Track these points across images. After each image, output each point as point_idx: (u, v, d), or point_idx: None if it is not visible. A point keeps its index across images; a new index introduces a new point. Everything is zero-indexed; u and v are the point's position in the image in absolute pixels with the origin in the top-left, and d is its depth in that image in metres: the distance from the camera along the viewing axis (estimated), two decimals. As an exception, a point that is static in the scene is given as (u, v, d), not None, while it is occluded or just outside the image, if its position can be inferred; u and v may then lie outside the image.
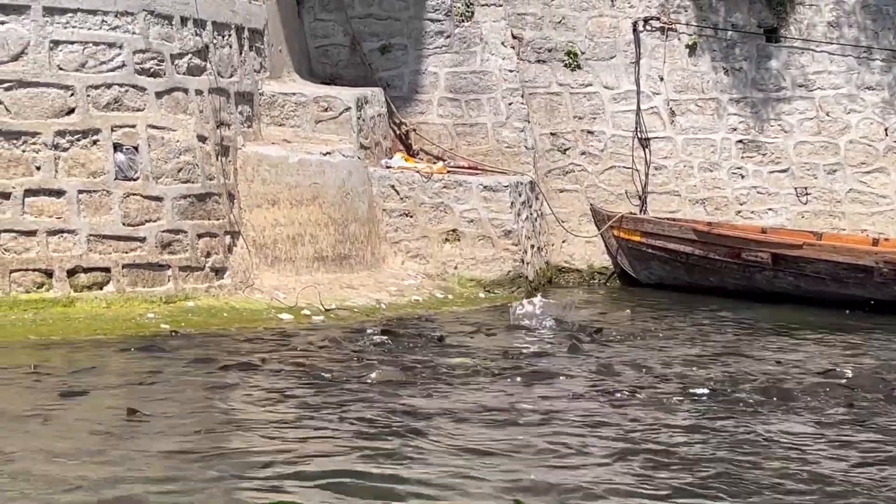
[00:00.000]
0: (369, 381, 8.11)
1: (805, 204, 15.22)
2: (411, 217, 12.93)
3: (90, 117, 10.42)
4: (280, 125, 12.56)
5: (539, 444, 6.60)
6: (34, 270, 10.14)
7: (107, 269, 10.38)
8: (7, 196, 10.11)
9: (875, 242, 13.92)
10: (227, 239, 11.22)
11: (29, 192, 10.18)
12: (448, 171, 13.28)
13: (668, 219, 14.53)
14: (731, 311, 12.69)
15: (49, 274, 10.18)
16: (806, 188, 15.24)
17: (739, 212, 15.16)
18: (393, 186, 12.91)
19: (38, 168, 10.23)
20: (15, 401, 7.49)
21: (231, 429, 6.98)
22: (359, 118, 12.81)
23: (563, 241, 14.85)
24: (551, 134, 15.01)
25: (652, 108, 15.15)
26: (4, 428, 6.78)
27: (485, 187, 13.07)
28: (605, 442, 6.75)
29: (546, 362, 9.16)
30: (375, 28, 14.31)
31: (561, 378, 8.49)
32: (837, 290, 13.13)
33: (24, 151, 10.19)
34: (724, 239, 13.78)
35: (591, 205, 14.86)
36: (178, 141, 10.83)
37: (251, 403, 7.62)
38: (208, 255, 10.95)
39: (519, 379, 8.43)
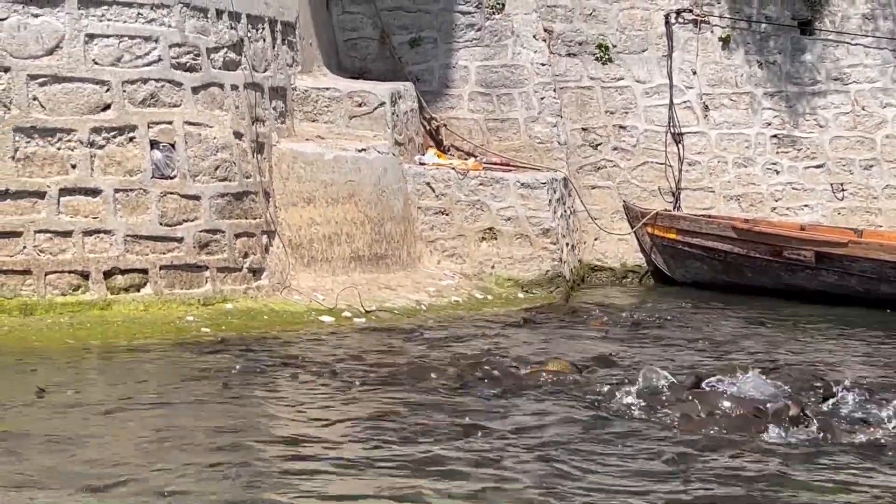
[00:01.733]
0: None
1: (841, 200, 15.01)
2: (447, 215, 12.67)
3: (126, 113, 10.13)
4: (313, 121, 12.29)
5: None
6: (70, 272, 9.86)
7: (144, 271, 10.11)
8: (42, 195, 9.82)
9: (919, 240, 13.70)
10: (264, 239, 10.95)
11: (64, 192, 9.89)
12: (483, 168, 13.02)
13: (704, 216, 14.29)
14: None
15: (85, 276, 9.90)
16: (842, 184, 15.03)
17: (774, 208, 14.94)
18: (428, 184, 12.66)
19: (74, 166, 9.95)
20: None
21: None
22: (393, 113, 12.54)
23: (596, 239, 14.61)
24: (582, 129, 14.77)
25: (685, 102, 14.92)
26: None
27: (522, 184, 12.82)
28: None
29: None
30: (405, 21, 14.04)
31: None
32: (883, 290, 12.91)
33: (59, 149, 9.90)
34: (765, 237, 13.55)
35: (623, 201, 14.62)
36: (214, 138, 10.55)
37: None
38: (246, 255, 10.69)
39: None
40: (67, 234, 9.87)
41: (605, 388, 7.67)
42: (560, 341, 10.18)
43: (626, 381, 7.84)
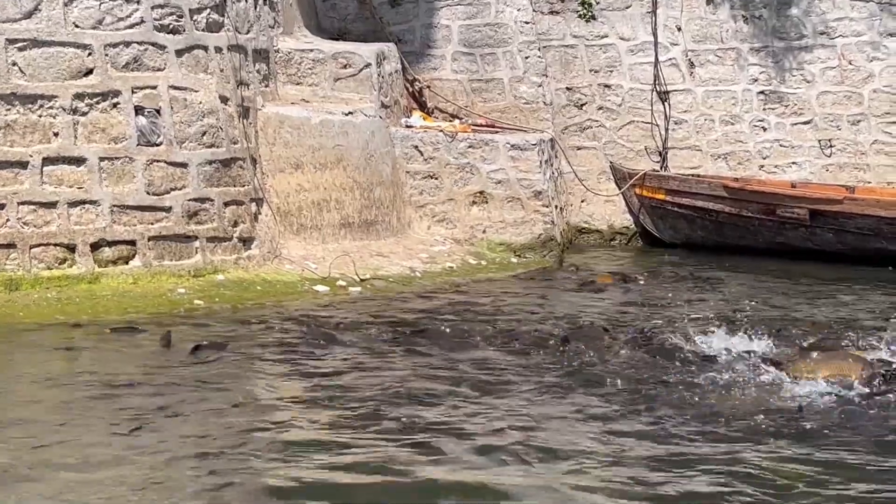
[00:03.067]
0: None
1: (829, 157, 14.85)
2: (436, 179, 12.40)
3: (109, 78, 9.76)
4: (297, 84, 11.96)
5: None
6: (56, 245, 9.50)
7: (132, 242, 9.76)
8: (24, 165, 9.44)
9: (910, 195, 13.57)
10: (253, 207, 10.64)
11: (47, 161, 9.52)
12: (472, 130, 12.75)
13: (694, 175, 14.10)
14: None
15: (71, 248, 9.54)
16: (829, 140, 14.87)
17: (762, 166, 14.77)
18: (416, 147, 12.37)
19: (56, 134, 9.57)
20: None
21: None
22: (378, 75, 12.23)
23: (583, 201, 14.40)
24: (567, 89, 14.53)
25: (670, 59, 14.69)
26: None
27: (512, 146, 12.56)
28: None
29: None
30: (385, -21, 13.71)
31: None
32: (880, 246, 12.78)
33: (40, 117, 9.53)
34: (758, 195, 13.38)
35: (610, 162, 14.40)
36: (200, 102, 10.20)
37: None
38: (235, 224, 10.37)
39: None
40: (52, 205, 9.51)
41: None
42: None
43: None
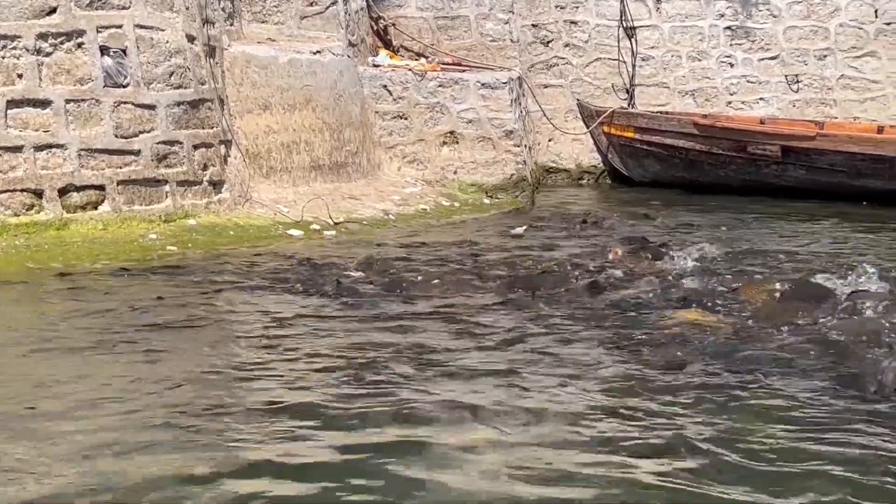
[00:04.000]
0: None
1: (796, 92, 14.78)
2: (406, 119, 12.17)
3: (73, 17, 9.41)
4: (262, 22, 11.66)
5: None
6: (22, 191, 9.17)
7: (101, 187, 9.47)
8: (-13, 108, 9.12)
9: (880, 130, 13.52)
10: (222, 149, 10.37)
11: (12, 104, 9.17)
12: (441, 69, 12.52)
13: (663, 113, 13.97)
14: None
15: (39, 194, 9.23)
16: (797, 76, 14.79)
17: (730, 102, 14.67)
18: (385, 87, 12.13)
19: (21, 76, 9.22)
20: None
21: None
22: (345, 12, 11.96)
23: (550, 140, 14.25)
24: (533, 25, 14.31)
25: (636, -6, 14.52)
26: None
27: (483, 84, 12.35)
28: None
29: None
30: (347, -87, 13.36)
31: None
32: (852, 182, 12.73)
33: (3, 58, 9.16)
34: (729, 132, 13.27)
35: (577, 100, 14.24)
36: (167, 42, 9.88)
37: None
38: (205, 167, 10.09)
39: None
40: (18, 149, 9.18)
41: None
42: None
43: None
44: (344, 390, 5.49)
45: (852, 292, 6.92)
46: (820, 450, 4.69)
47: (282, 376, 5.81)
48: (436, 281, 7.84)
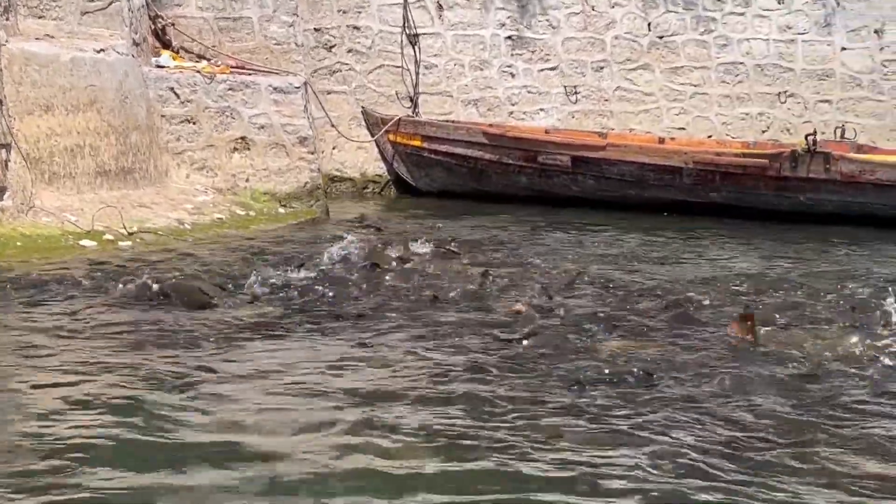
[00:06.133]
0: None
1: (575, 103, 14.81)
2: (194, 124, 11.50)
3: None
4: (40, 17, 10.78)
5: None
6: None
7: None
8: None
9: (661, 141, 13.65)
10: (3, 153, 9.51)
11: None
12: (232, 71, 11.91)
13: (452, 121, 13.74)
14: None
15: None
16: (575, 87, 14.82)
17: (512, 112, 14.56)
18: (172, 89, 11.43)
19: None
20: None
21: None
22: (129, 9, 11.22)
23: (334, 148, 13.81)
24: (315, 29, 13.85)
25: (419, 1, 14.24)
26: None
27: (275, 89, 11.80)
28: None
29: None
30: None
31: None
32: (641, 193, 12.79)
33: None
34: (519, 142, 13.14)
35: (362, 107, 13.85)
36: (-58, 35, 9.01)
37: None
38: (-15, 173, 9.25)
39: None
40: None
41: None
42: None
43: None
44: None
45: None
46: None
47: None
48: None
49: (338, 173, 13.81)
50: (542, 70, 14.67)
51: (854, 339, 6.58)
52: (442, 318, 7.08)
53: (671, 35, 14.81)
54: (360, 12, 13.99)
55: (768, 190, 12.25)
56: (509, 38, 14.56)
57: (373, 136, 13.73)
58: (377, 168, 13.97)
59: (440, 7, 14.29)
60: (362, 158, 13.92)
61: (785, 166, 12.12)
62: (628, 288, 8.28)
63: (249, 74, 12.18)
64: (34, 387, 5.55)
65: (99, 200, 10.14)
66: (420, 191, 13.77)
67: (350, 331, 6.74)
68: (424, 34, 14.19)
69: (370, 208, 12.91)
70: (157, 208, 10.51)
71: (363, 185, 13.92)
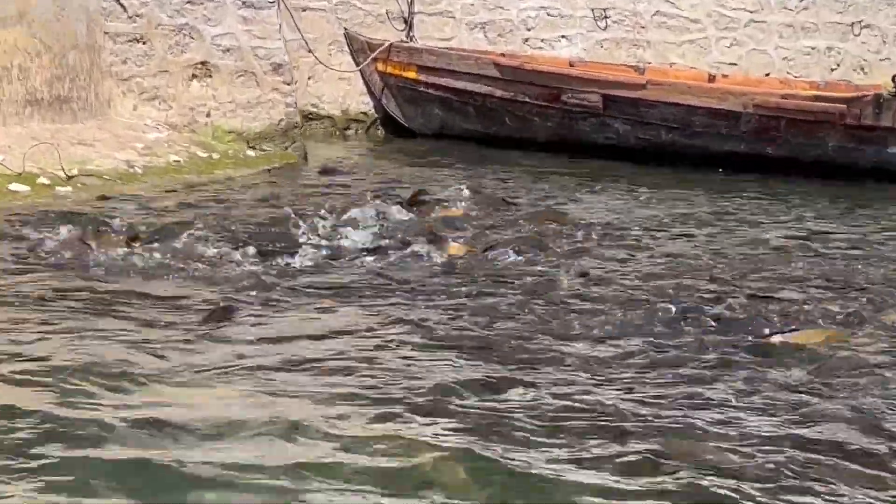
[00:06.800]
0: None
1: (604, 29, 14.66)
2: (145, 44, 11.24)
3: None
4: None
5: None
6: None
7: None
8: None
9: (711, 79, 13.51)
10: (-88, 76, 9.31)
11: None
12: (189, -20, 11.68)
13: (454, 49, 13.56)
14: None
15: None
16: (604, 10, 14.66)
17: (527, 39, 14.39)
18: (118, 0, 11.22)
19: None
20: None
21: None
22: None
23: (310, 78, 13.58)
24: (286, -69, 13.62)
25: None
26: None
27: (244, 3, 11.57)
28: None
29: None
30: None
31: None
32: (688, 142, 12.62)
33: None
34: (539, 76, 12.93)
35: (345, 29, 13.63)
36: None
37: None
38: None
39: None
40: None
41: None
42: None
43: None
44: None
45: None
46: None
47: None
48: None
49: (314, 109, 13.58)
50: (564, -12, 14.52)
51: None
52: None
53: (723, -52, 14.72)
54: (343, -89, 13.77)
55: (844, 141, 12.13)
56: (526, -52, 14.38)
57: (357, 64, 13.51)
58: (362, 104, 13.78)
59: None
60: (344, 91, 13.71)
61: (866, 113, 11.99)
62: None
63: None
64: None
65: (30, 136, 9.94)
66: (413, 132, 13.60)
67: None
68: (422, -61, 14.00)
69: (355, 153, 12.73)
70: (99, 146, 10.30)
71: (345, 124, 13.72)
